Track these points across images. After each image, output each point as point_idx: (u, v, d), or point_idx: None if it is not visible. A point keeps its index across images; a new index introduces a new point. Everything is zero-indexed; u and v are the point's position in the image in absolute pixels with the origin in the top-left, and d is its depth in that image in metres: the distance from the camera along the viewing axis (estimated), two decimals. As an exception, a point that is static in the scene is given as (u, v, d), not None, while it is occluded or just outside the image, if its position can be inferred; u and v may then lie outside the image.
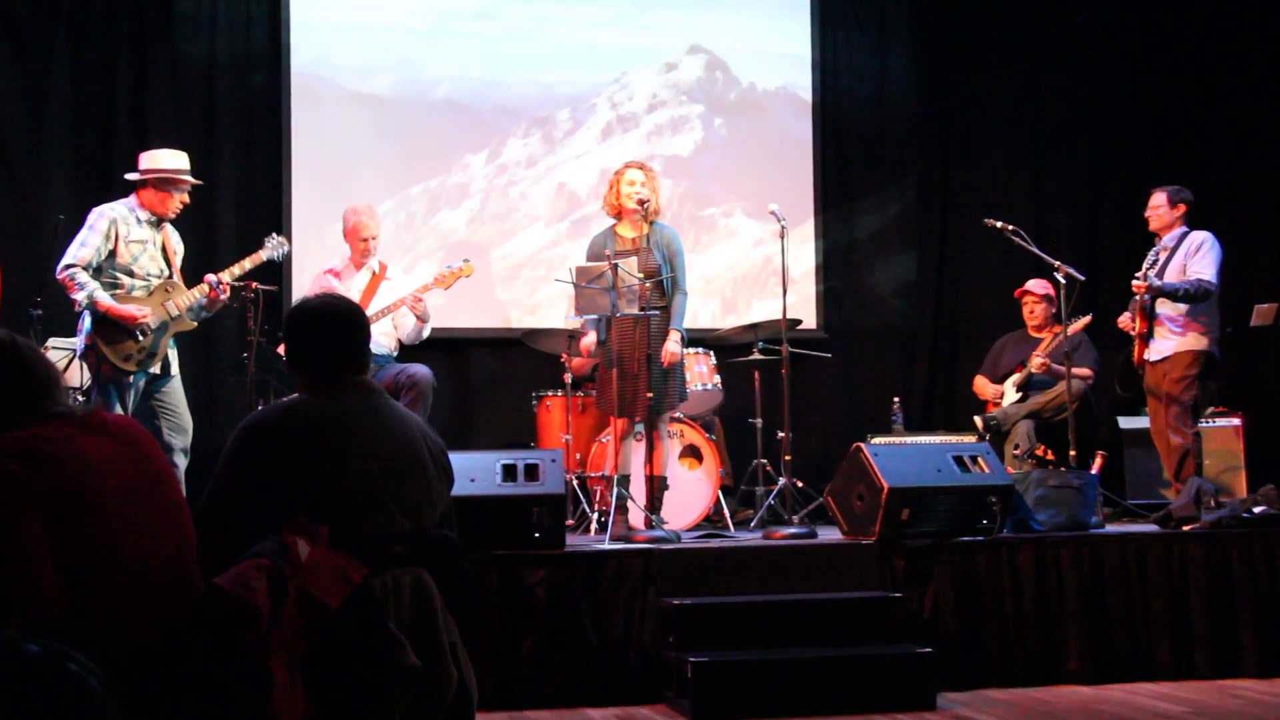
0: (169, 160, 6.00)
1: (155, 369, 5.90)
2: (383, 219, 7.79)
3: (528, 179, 8.17)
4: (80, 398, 5.82)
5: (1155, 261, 6.65)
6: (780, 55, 8.52)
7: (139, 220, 5.97)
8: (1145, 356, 6.65)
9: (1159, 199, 6.75)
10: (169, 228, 6.12)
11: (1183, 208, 6.72)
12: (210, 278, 6.06)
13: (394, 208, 7.97)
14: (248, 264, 6.16)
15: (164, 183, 5.97)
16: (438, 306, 7.15)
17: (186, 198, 6.07)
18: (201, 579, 2.84)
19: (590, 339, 6.30)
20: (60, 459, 2.70)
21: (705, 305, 8.37)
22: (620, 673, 5.09)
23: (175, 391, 6.01)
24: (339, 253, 6.87)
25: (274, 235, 6.40)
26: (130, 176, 6.05)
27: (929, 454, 5.69)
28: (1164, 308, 6.57)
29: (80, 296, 5.76)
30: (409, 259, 7.95)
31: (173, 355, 6.03)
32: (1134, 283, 6.58)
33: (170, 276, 6.05)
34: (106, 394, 5.77)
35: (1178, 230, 6.70)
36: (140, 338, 5.79)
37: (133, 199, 6.01)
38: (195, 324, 6.12)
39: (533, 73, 8.16)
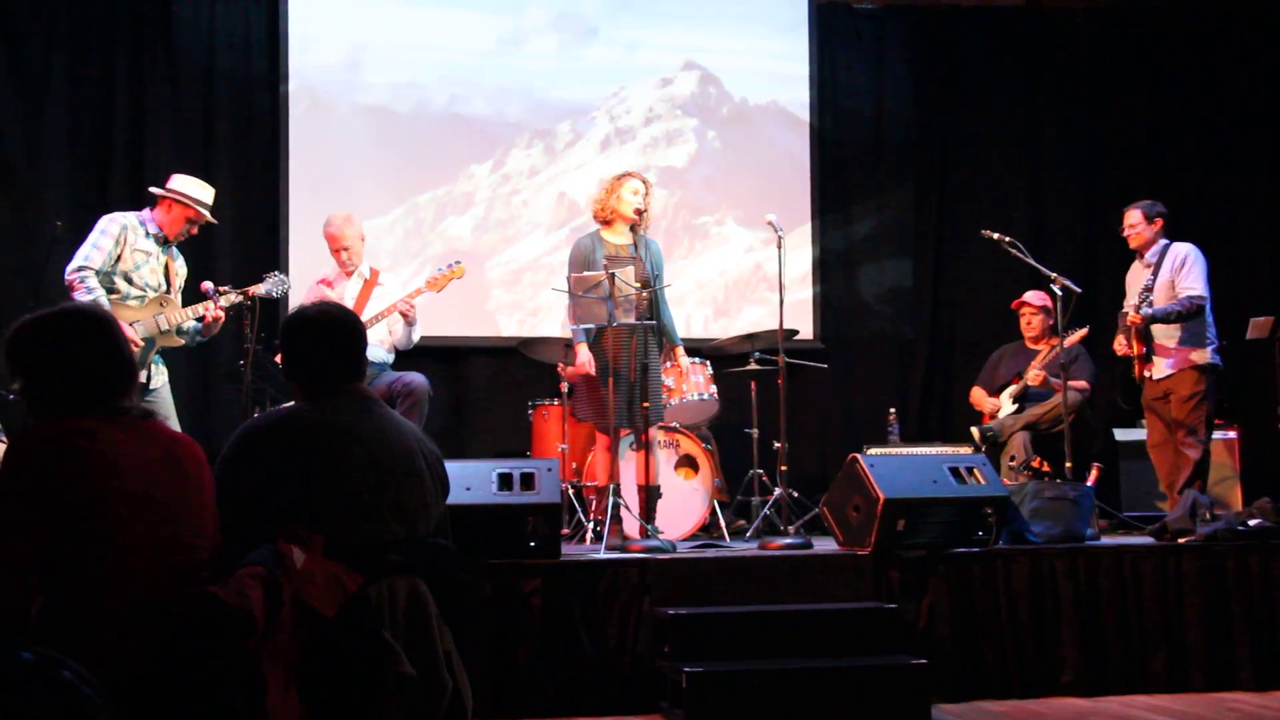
0: (196, 190, 6.09)
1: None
2: (392, 225, 8.05)
3: (530, 188, 8.41)
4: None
5: (1148, 287, 6.64)
6: (771, 71, 8.76)
7: (147, 233, 6.02)
8: (1147, 374, 6.65)
9: (1135, 216, 6.77)
10: (175, 252, 6.17)
11: (1159, 222, 6.74)
12: (207, 284, 6.07)
13: (403, 214, 8.21)
14: (244, 295, 6.16)
15: (182, 206, 6.01)
16: (435, 313, 7.16)
17: (195, 230, 6.15)
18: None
19: (586, 357, 6.21)
20: (87, 454, 2.72)
21: (698, 310, 8.52)
22: (615, 682, 5.08)
23: (163, 404, 6.00)
24: (332, 261, 6.87)
25: (275, 272, 6.43)
26: (155, 191, 6.09)
27: (925, 465, 5.69)
28: (1160, 328, 6.58)
29: (85, 300, 5.77)
30: (417, 263, 8.11)
31: (156, 370, 6.02)
32: (1129, 317, 6.59)
33: (168, 292, 6.07)
34: None
35: (1158, 245, 6.73)
36: None
37: (146, 212, 6.09)
38: (182, 342, 6.11)
39: (535, 87, 8.41)
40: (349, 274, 6.69)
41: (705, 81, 8.69)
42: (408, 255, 8.13)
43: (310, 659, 2.84)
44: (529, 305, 8.28)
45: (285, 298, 6.60)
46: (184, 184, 6.08)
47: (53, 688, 2.22)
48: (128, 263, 5.93)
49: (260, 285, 6.25)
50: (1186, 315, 6.47)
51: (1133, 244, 6.80)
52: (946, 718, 4.92)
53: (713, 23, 8.70)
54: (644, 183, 6.30)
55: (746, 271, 8.65)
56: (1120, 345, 6.75)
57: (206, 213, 6.11)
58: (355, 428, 3.13)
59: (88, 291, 5.75)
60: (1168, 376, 6.58)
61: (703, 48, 8.69)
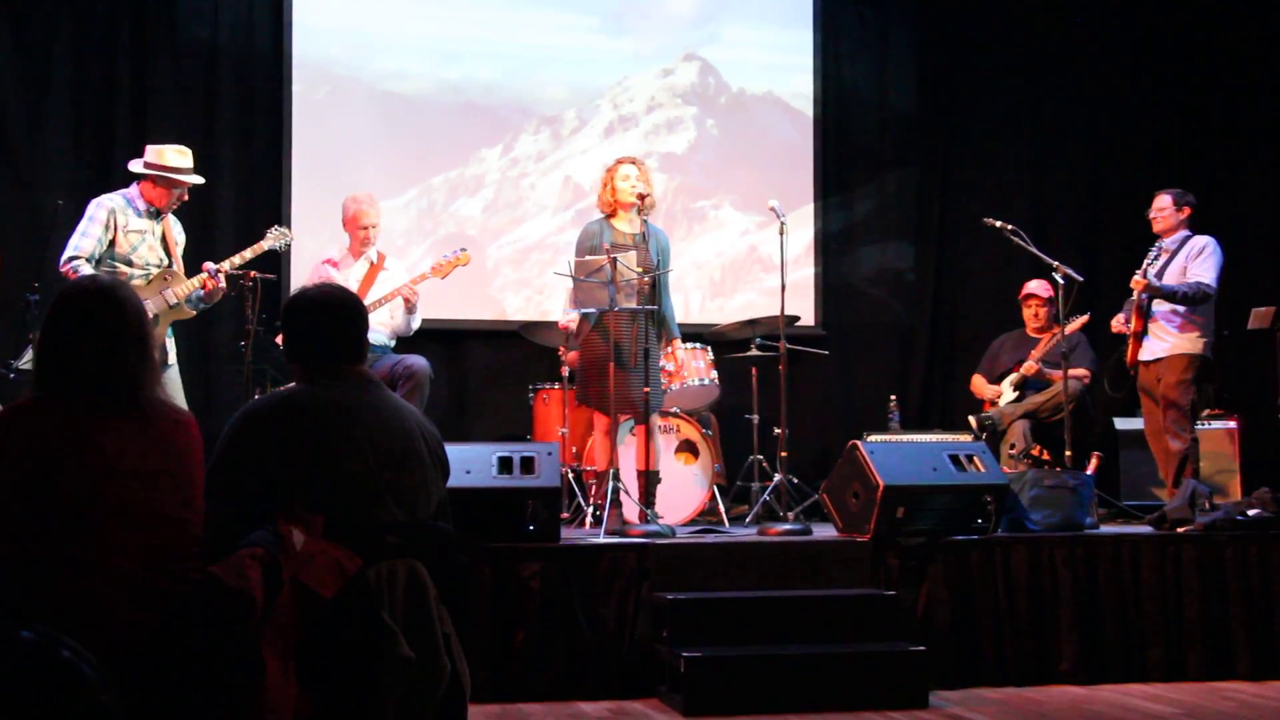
0: (173, 158, 6.00)
1: None
2: (406, 205, 8.23)
3: (537, 172, 8.62)
4: None
5: (1155, 259, 6.65)
6: (768, 62, 8.96)
7: (138, 211, 5.99)
8: (1139, 357, 6.66)
9: (1164, 201, 6.76)
10: (171, 218, 6.14)
11: (1187, 210, 6.73)
12: (209, 266, 6.06)
13: (417, 196, 8.40)
14: (249, 254, 6.16)
15: (165, 179, 5.97)
16: (437, 297, 7.17)
17: (186, 195, 6.09)
18: (199, 575, 2.84)
19: (572, 317, 6.32)
20: (34, 434, 2.73)
21: (695, 291, 8.69)
22: (613, 666, 5.09)
23: (172, 381, 5.98)
24: (339, 242, 6.87)
25: (277, 226, 6.41)
26: (133, 167, 6.05)
27: (925, 452, 5.69)
28: (1160, 307, 6.58)
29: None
30: (429, 242, 8.29)
31: (170, 344, 6.03)
32: (1133, 279, 6.58)
33: (170, 266, 6.05)
34: None
35: (1180, 233, 6.71)
36: None
37: (133, 189, 6.03)
38: (194, 313, 6.12)
39: (544, 76, 8.64)
40: (358, 256, 6.70)
41: (705, 72, 8.91)
42: (420, 235, 8.34)
43: (309, 640, 2.85)
44: (535, 283, 8.47)
45: (286, 253, 6.57)
46: (160, 155, 5.99)
47: (52, 666, 2.23)
48: (124, 246, 5.91)
49: (263, 242, 6.23)
50: (1190, 299, 6.46)
51: (1156, 228, 6.78)
52: (944, 704, 4.93)
53: (714, 14, 8.91)
54: (636, 165, 6.27)
55: (742, 254, 8.84)
56: (1118, 322, 6.75)
57: (189, 178, 6.05)
58: (355, 410, 3.13)
59: None
60: (1158, 360, 6.59)
61: (703, 39, 8.90)
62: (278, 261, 7.39)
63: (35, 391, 2.86)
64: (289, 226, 7.75)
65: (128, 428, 2.80)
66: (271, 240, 6.28)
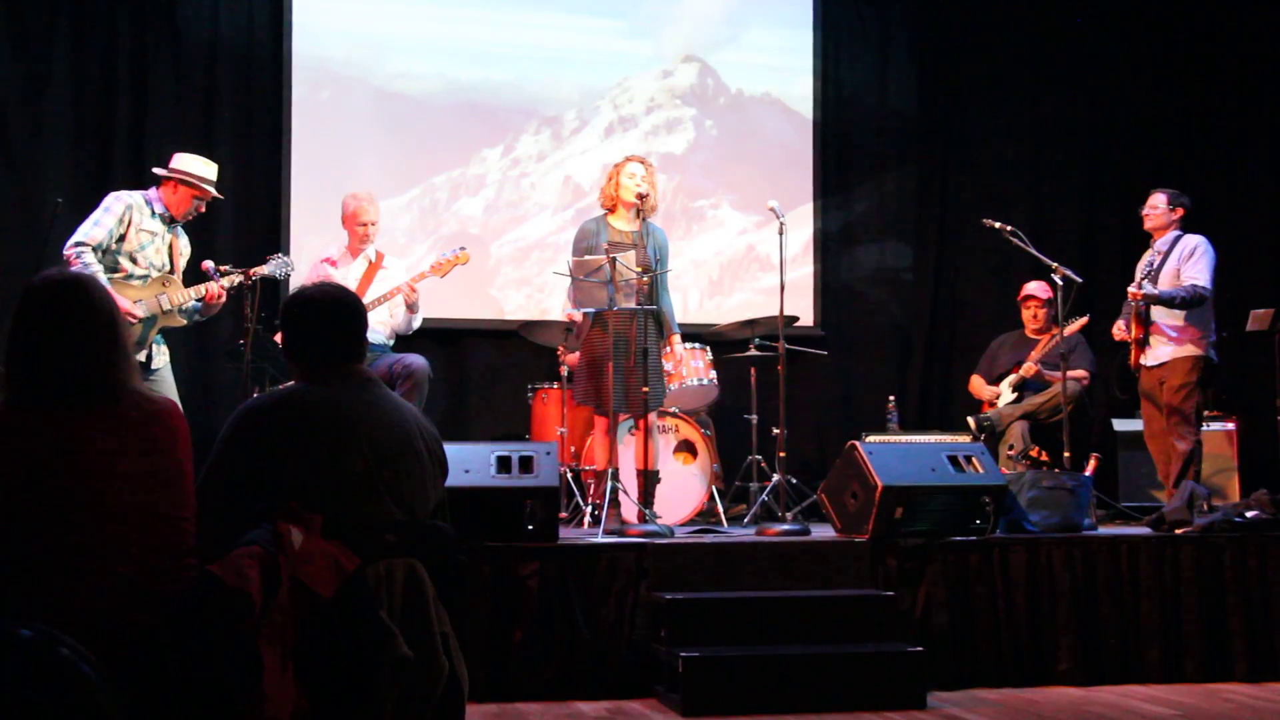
0: (199, 168, 6.05)
1: (140, 357, 5.87)
2: (408, 204, 8.29)
3: (538, 171, 8.69)
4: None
5: (1150, 266, 6.66)
6: (766, 64, 9.03)
7: (154, 213, 5.99)
8: (1142, 361, 6.66)
9: (1158, 199, 6.77)
10: (180, 231, 6.15)
11: (1180, 211, 6.73)
12: (208, 263, 6.06)
13: (420, 195, 8.48)
14: (244, 278, 6.15)
15: (187, 187, 5.99)
16: (436, 296, 7.17)
17: (203, 207, 6.12)
18: (196, 570, 2.84)
19: (575, 311, 6.32)
20: (13, 438, 2.73)
21: (693, 289, 8.74)
22: (611, 666, 5.09)
23: (165, 382, 5.96)
24: (338, 241, 6.87)
25: (279, 255, 6.42)
26: (158, 171, 6.08)
27: (923, 453, 5.70)
28: (1160, 313, 6.58)
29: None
30: (431, 240, 8.34)
31: (158, 350, 5.98)
32: (1129, 290, 6.59)
33: (171, 272, 6.06)
34: None
35: (1172, 234, 6.71)
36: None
37: (153, 192, 6.05)
38: (185, 322, 6.10)
39: (545, 77, 8.73)
40: (356, 254, 6.70)
41: (704, 73, 8.97)
42: (422, 234, 8.38)
43: (307, 640, 2.85)
44: (536, 281, 8.53)
45: (287, 278, 6.59)
46: (187, 163, 6.04)
47: (50, 664, 2.23)
48: (133, 242, 5.91)
49: (263, 266, 6.23)
50: (1188, 303, 6.47)
51: (1147, 225, 6.79)
52: (942, 705, 4.93)
53: (713, 16, 8.98)
54: (643, 164, 6.28)
55: (740, 253, 8.89)
56: (1119, 330, 6.75)
57: (212, 189, 6.09)
58: (354, 409, 3.13)
59: (84, 266, 5.71)
60: (1161, 364, 6.59)
61: (703, 41, 8.97)
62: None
63: (8, 393, 2.84)
64: (289, 224, 7.79)
65: (108, 425, 2.79)
66: (271, 267, 6.26)
